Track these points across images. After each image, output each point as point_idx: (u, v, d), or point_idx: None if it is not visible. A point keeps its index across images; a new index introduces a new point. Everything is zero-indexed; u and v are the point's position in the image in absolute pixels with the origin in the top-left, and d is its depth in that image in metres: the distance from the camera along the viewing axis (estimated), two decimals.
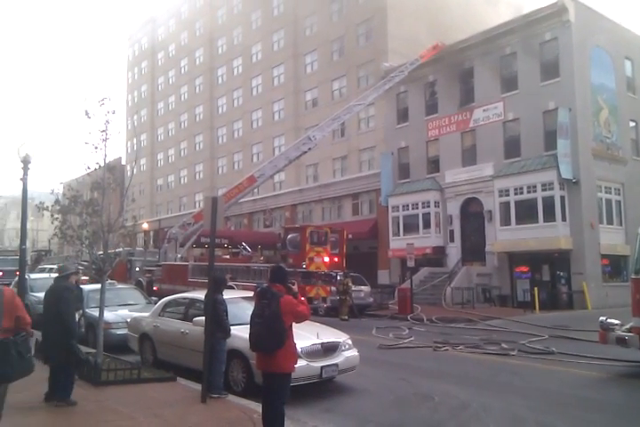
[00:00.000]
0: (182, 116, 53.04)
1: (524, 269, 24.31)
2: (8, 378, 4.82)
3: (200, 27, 51.20)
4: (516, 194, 24.46)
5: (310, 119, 35.74)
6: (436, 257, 28.11)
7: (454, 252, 27.81)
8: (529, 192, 24.02)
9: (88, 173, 9.29)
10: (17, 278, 16.98)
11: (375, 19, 33.24)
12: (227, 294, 8.73)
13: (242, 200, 27.51)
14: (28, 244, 16.43)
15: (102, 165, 9.05)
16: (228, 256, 25.70)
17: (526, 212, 24.04)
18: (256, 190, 31.87)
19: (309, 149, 25.01)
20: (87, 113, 8.89)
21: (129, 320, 11.77)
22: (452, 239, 28.13)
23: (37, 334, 11.53)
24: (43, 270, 30.31)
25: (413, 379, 9.91)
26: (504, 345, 13.43)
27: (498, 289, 25.01)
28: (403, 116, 31.36)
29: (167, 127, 55.69)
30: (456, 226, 28.04)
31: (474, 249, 27.03)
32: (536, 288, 21.99)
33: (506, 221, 24.86)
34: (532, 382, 9.75)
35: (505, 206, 24.94)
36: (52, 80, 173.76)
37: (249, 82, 43.96)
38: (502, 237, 24.88)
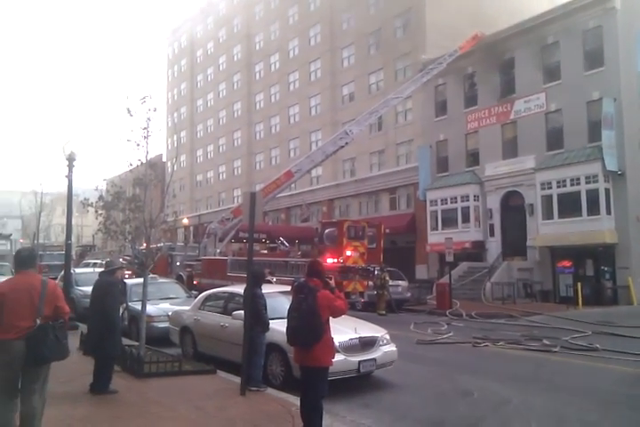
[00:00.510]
0: (221, 113, 53.61)
1: (567, 263, 23.71)
2: (45, 359, 5.17)
3: (237, 23, 51.58)
4: (558, 187, 23.89)
5: (347, 114, 35.62)
6: (476, 252, 27.72)
7: (494, 246, 27.37)
8: (572, 185, 23.42)
9: (130, 170, 9.50)
10: (63, 273, 17.54)
11: (413, 11, 32.83)
12: (265, 289, 8.82)
13: (279, 195, 27.65)
14: (73, 239, 16.92)
15: (144, 161, 9.23)
16: (265, 251, 25.92)
17: (569, 205, 23.45)
18: (293, 185, 31.97)
19: (346, 143, 24.93)
20: (129, 111, 9.08)
21: (170, 314, 12.01)
22: (491, 233, 27.68)
23: (83, 327, 11.90)
24: (87, 265, 31.23)
25: (452, 375, 9.83)
26: (546, 341, 13.16)
27: (539, 284, 24.51)
28: (441, 108, 30.95)
29: (206, 124, 56.39)
30: (496, 220, 27.57)
31: (514, 243, 26.53)
32: (579, 283, 21.48)
33: (548, 214, 24.32)
34: (575, 380, 9.55)
35: (547, 200, 24.40)
36: (95, 79, 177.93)
37: (286, 77, 44.09)
38: (544, 231, 24.36)
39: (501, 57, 27.80)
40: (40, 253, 23.14)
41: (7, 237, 29.55)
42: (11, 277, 5.68)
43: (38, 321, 5.14)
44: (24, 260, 5.51)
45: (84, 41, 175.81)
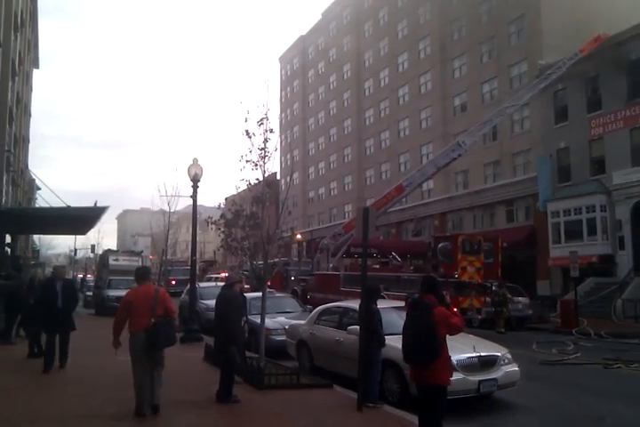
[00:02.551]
0: (331, 130, 54.65)
1: None
2: (158, 346, 7.08)
3: (347, 42, 52.54)
4: None
5: (459, 125, 34.88)
6: (604, 266, 25.79)
7: (625, 260, 25.32)
8: None
9: (249, 189, 9.94)
10: (188, 287, 18.62)
11: (527, 15, 31.65)
12: (379, 304, 8.79)
13: (390, 209, 27.55)
14: (197, 255, 17.95)
15: (262, 180, 9.63)
16: (377, 266, 25.84)
17: None
18: (404, 199, 31.72)
19: (459, 155, 24.39)
20: (248, 133, 9.52)
21: (287, 327, 12.31)
22: (621, 246, 25.65)
23: (207, 339, 12.50)
24: (210, 280, 32.90)
25: (581, 398, 9.18)
26: None
27: None
28: (561, 115, 29.37)
29: (317, 142, 57.72)
30: (626, 232, 25.52)
31: None
32: None
33: None
34: None
35: None
36: (217, 103, 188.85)
37: (395, 92, 44.11)
38: None
39: (627, 57, 25.97)
40: (169, 268, 24.82)
41: (139, 253, 31.94)
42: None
43: (153, 319, 7.04)
44: (141, 275, 7.65)
45: (206, 66, 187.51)
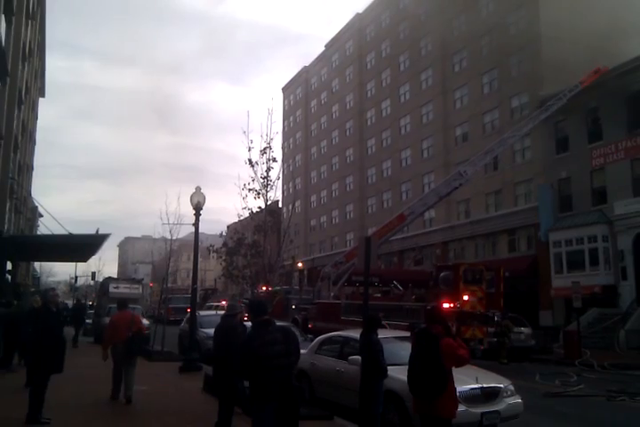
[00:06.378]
0: (334, 159, 55.08)
1: None
2: (134, 353, 9.95)
3: (350, 73, 53.41)
4: None
5: (461, 154, 35.15)
6: (606, 297, 25.58)
7: (627, 291, 25.14)
8: None
9: (251, 217, 10.00)
10: (188, 315, 18.48)
11: (529, 48, 32.17)
12: (380, 334, 8.70)
13: (392, 238, 27.53)
14: (197, 283, 17.89)
15: (264, 208, 9.68)
16: (378, 295, 25.68)
17: None
18: (406, 228, 31.73)
19: (460, 184, 24.53)
20: (251, 162, 9.63)
21: None
22: (624, 277, 25.51)
23: (207, 369, 12.34)
24: (210, 308, 32.67)
25: None
26: None
27: None
28: (562, 145, 29.61)
29: (320, 170, 58.11)
30: (629, 262, 25.41)
31: None
32: None
33: None
34: None
35: None
36: (220, 131, 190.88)
37: (397, 122, 44.61)
38: None
39: (627, 89, 26.31)
40: (169, 296, 24.76)
41: (139, 281, 31.86)
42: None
43: (130, 334, 9.86)
44: (121, 304, 10.93)
45: (210, 94, 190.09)
